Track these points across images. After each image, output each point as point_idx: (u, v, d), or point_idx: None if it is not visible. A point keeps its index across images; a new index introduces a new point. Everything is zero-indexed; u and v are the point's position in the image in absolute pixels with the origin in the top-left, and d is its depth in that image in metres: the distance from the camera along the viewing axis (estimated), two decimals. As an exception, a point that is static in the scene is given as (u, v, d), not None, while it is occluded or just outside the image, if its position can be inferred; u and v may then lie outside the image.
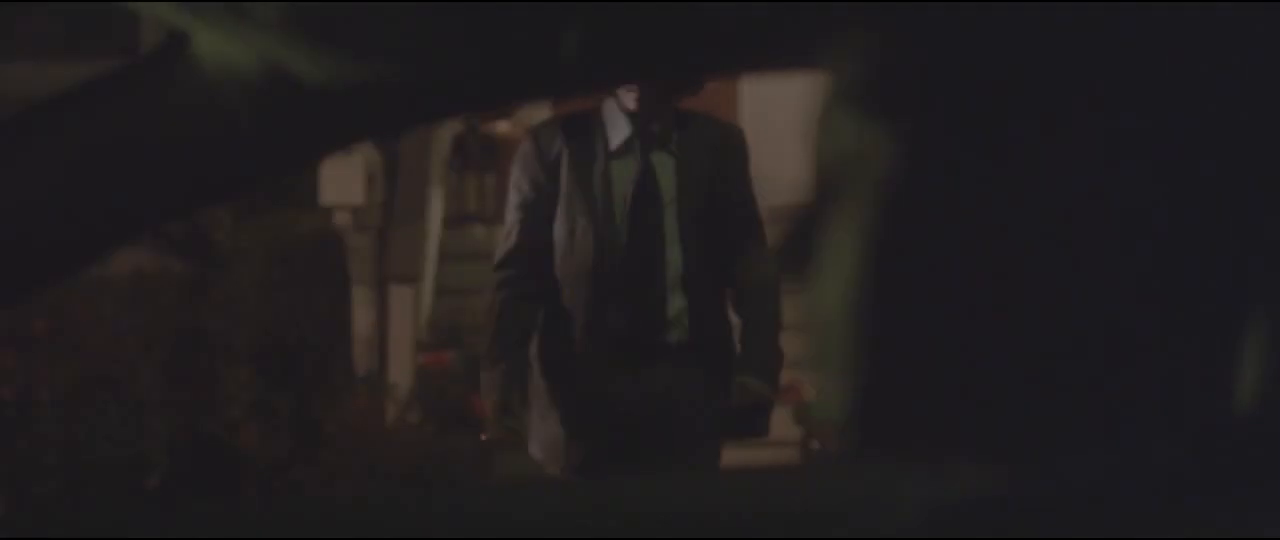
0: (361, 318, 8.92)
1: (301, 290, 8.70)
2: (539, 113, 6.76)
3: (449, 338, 8.83)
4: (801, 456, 7.22)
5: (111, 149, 1.37)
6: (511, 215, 4.36)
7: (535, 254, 4.23)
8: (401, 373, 8.78)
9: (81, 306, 7.80)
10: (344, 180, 8.86)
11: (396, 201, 9.23)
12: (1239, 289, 0.71)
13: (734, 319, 4.28)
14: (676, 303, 4.25)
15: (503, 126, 10.29)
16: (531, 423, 4.10)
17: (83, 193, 1.37)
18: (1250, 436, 0.70)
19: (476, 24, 1.26)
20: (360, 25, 1.26)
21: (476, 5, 1.24)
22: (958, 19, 0.72)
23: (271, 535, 1.50)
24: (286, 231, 8.85)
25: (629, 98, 4.22)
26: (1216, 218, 0.70)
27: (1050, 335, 0.71)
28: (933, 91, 0.72)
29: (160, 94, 1.36)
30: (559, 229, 4.28)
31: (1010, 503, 0.74)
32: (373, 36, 1.28)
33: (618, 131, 4.26)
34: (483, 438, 4.43)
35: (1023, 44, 0.71)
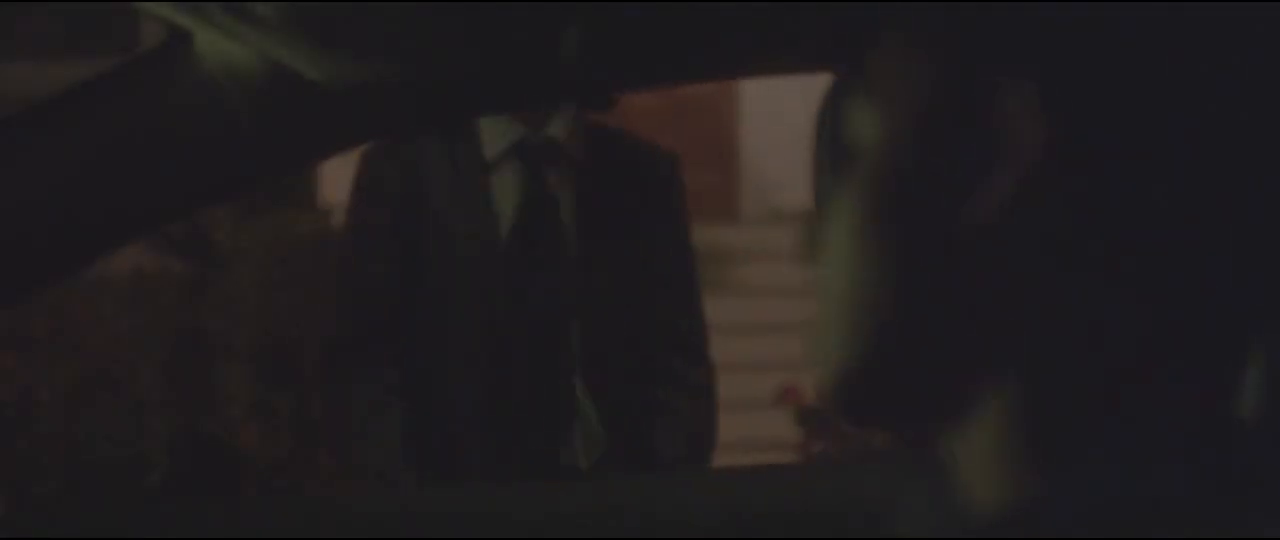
0: (361, 318, 8.92)
1: (301, 290, 8.70)
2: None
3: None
4: (801, 458, 7.23)
5: (112, 149, 1.37)
6: (342, 283, 2.98)
7: (376, 335, 2.90)
8: (401, 373, 8.76)
9: (81, 306, 7.80)
10: (344, 180, 8.86)
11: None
12: (1244, 289, 0.71)
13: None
14: (584, 411, 2.90)
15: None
16: None
17: (83, 192, 1.37)
18: (1254, 440, 0.70)
19: (477, 24, 1.26)
20: (360, 25, 1.26)
21: (476, 5, 1.24)
22: (968, 12, 0.72)
23: (271, 535, 1.50)
24: (286, 231, 8.85)
25: None
26: (1221, 218, 0.70)
27: (1047, 334, 0.71)
28: (945, 84, 0.72)
29: (161, 94, 1.36)
30: (416, 299, 2.90)
31: (1013, 509, 0.74)
32: (373, 36, 1.28)
33: (497, 136, 2.93)
34: None
35: (1031, 41, 0.71)
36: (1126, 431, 0.71)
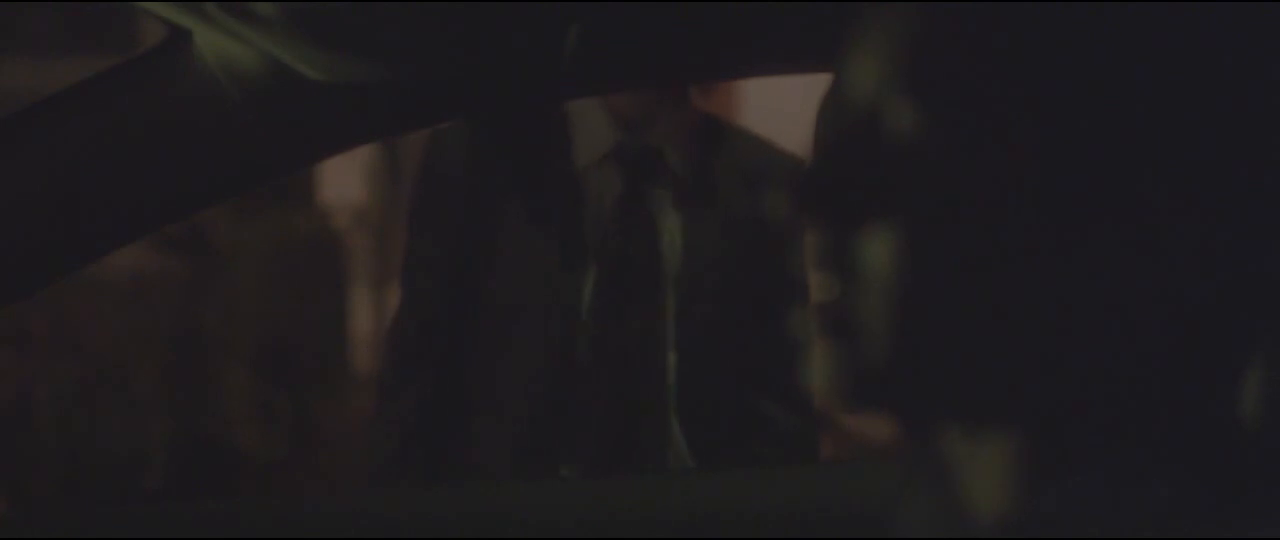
0: (361, 318, 8.93)
1: (301, 290, 8.70)
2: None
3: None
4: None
5: (112, 148, 1.36)
6: (406, 287, 2.57)
7: (431, 356, 2.52)
8: (401, 373, 8.76)
9: (81, 306, 7.79)
10: (344, 179, 8.87)
11: (397, 201, 9.23)
12: (1244, 290, 0.71)
13: None
14: (678, 452, 2.52)
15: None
16: None
17: (83, 192, 1.37)
18: (1255, 446, 0.70)
19: (477, 24, 1.26)
20: (360, 25, 1.26)
21: (477, 5, 1.24)
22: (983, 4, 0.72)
23: (271, 535, 1.50)
24: (286, 231, 8.85)
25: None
26: (1221, 218, 0.70)
27: (1056, 334, 0.71)
28: (958, 70, 0.72)
29: (161, 93, 1.36)
30: (479, 312, 2.51)
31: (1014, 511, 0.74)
32: (373, 36, 1.28)
33: (591, 141, 2.50)
34: None
35: (1044, 37, 0.71)
36: (1127, 435, 0.71)
